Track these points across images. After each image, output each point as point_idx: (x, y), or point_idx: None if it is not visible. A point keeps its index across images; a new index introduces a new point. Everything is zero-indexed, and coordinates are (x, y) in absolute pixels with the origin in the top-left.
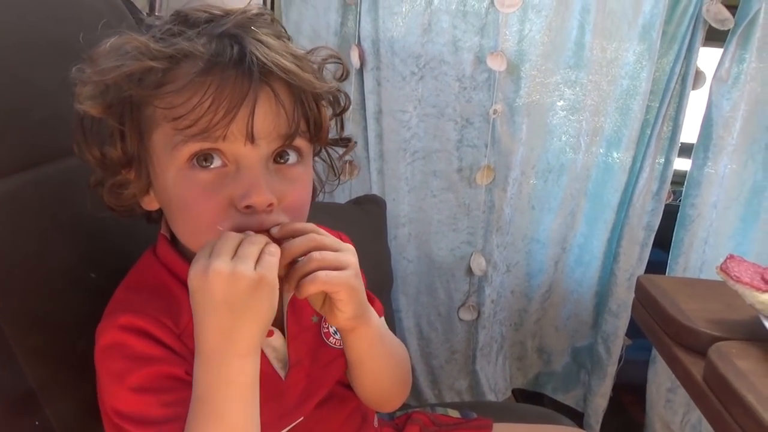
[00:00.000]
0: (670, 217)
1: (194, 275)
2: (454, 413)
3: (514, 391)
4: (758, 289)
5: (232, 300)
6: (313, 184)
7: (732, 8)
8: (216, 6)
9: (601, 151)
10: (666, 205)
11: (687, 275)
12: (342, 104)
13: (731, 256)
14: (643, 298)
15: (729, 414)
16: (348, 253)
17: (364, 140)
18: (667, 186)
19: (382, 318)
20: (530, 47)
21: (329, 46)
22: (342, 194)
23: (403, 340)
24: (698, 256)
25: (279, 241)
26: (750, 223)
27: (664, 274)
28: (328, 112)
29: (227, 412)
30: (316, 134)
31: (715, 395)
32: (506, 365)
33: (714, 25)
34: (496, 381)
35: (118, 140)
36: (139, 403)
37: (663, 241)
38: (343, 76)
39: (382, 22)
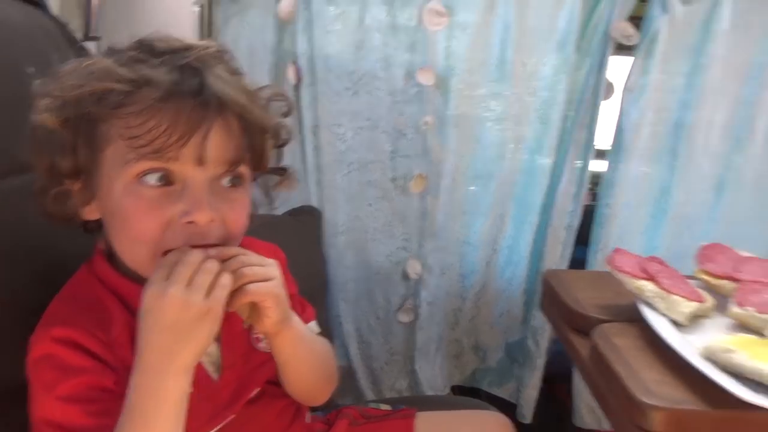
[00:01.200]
0: (591, 216)
1: (149, 296)
2: (386, 407)
3: (453, 388)
4: (636, 277)
5: (180, 326)
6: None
7: (638, 24)
8: (177, 39)
9: (525, 157)
10: (586, 206)
11: (604, 270)
12: (283, 138)
13: (617, 250)
14: (547, 290)
15: (607, 387)
16: (272, 267)
17: (302, 153)
18: (585, 188)
19: (313, 323)
20: (457, 62)
21: (266, 62)
22: (283, 205)
23: (344, 344)
24: None
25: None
26: (659, 219)
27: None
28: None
29: (155, 423)
30: (258, 163)
31: (596, 370)
32: (444, 364)
33: (620, 41)
34: (434, 379)
35: (69, 152)
36: (67, 412)
37: (585, 238)
38: (288, 113)
39: (317, 41)
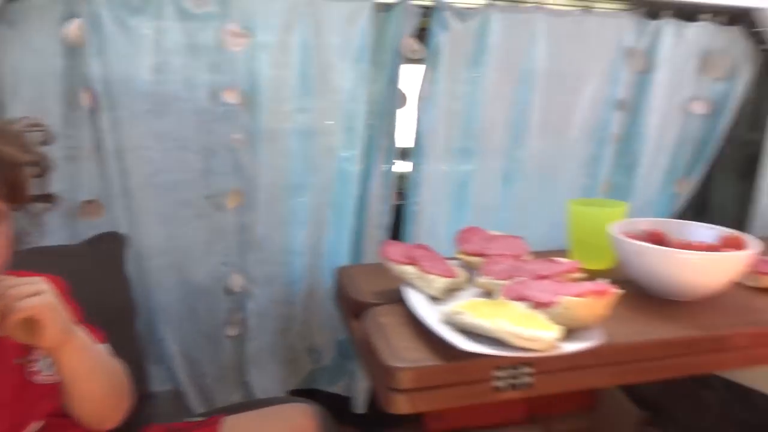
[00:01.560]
0: (401, 214)
1: None
2: (199, 419)
3: (291, 393)
4: (401, 263)
5: None
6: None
7: (424, 37)
8: None
9: (336, 165)
10: (396, 205)
11: None
12: (44, 167)
13: (387, 242)
14: (338, 284)
15: (371, 360)
16: (39, 283)
17: (105, 179)
18: (393, 190)
19: (104, 345)
20: (261, 81)
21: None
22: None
23: (172, 367)
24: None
25: None
26: (461, 211)
27: None
28: (30, 172)
29: None
30: (15, 196)
31: (364, 348)
32: (278, 370)
33: (408, 56)
34: (270, 387)
35: None
36: None
37: (397, 235)
38: (47, 142)
39: (112, 65)
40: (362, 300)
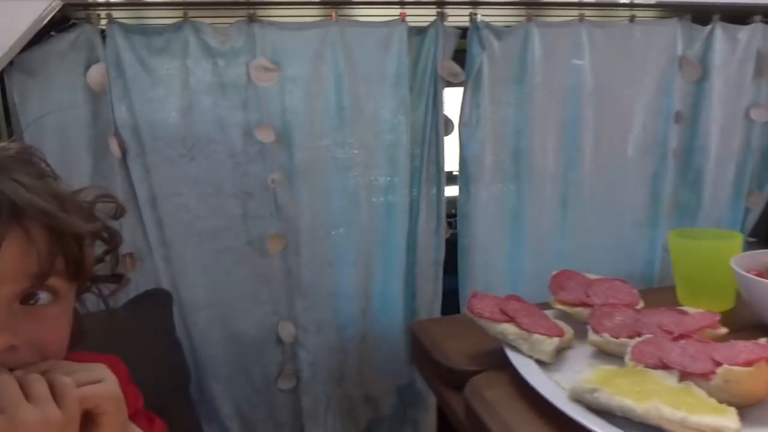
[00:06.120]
0: (454, 245)
1: None
2: None
3: None
4: (496, 321)
5: None
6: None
7: (463, 60)
8: None
9: (381, 200)
10: (446, 239)
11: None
12: (114, 241)
13: (474, 294)
14: (415, 343)
15: None
16: (100, 369)
17: (141, 229)
18: (444, 222)
19: None
20: (295, 116)
21: (83, 138)
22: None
23: (224, 428)
24: (482, 280)
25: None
26: (517, 242)
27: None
28: (97, 249)
29: None
30: (78, 274)
31: (472, 429)
32: (337, 422)
33: (448, 79)
34: None
35: None
36: None
37: (453, 268)
38: (117, 215)
39: (138, 109)
40: (454, 367)
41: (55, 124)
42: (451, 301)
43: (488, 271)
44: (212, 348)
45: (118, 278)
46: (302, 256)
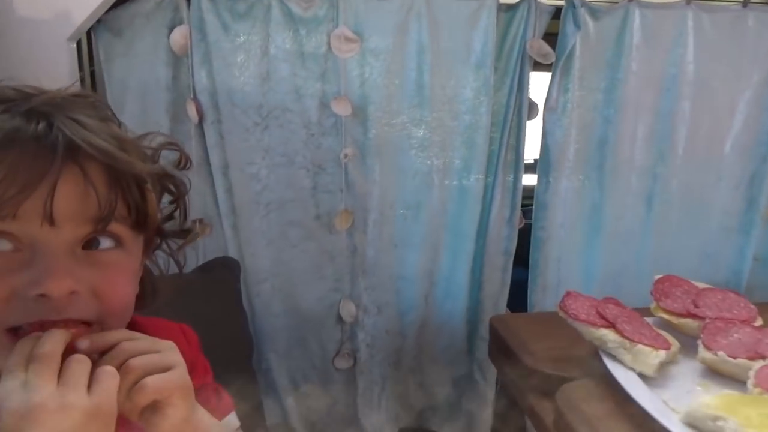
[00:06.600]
0: (527, 236)
1: (9, 416)
2: None
3: (401, 430)
4: (594, 325)
5: None
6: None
7: (553, 42)
8: (31, 86)
9: (454, 184)
10: (520, 228)
11: (546, 293)
12: (179, 191)
13: (568, 293)
14: (494, 338)
15: None
16: (170, 351)
17: (212, 196)
18: (518, 211)
19: (232, 415)
20: (373, 90)
21: (162, 100)
22: (192, 255)
23: (279, 399)
24: (554, 274)
25: (90, 357)
26: (594, 237)
27: (526, 291)
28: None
29: None
30: (141, 221)
31: None
32: (390, 406)
33: (537, 59)
34: (380, 425)
35: None
36: None
37: (524, 260)
38: (183, 165)
39: (217, 74)
40: (544, 371)
41: (137, 85)
42: (517, 294)
43: (561, 265)
44: (273, 320)
45: (186, 233)
46: (369, 235)
